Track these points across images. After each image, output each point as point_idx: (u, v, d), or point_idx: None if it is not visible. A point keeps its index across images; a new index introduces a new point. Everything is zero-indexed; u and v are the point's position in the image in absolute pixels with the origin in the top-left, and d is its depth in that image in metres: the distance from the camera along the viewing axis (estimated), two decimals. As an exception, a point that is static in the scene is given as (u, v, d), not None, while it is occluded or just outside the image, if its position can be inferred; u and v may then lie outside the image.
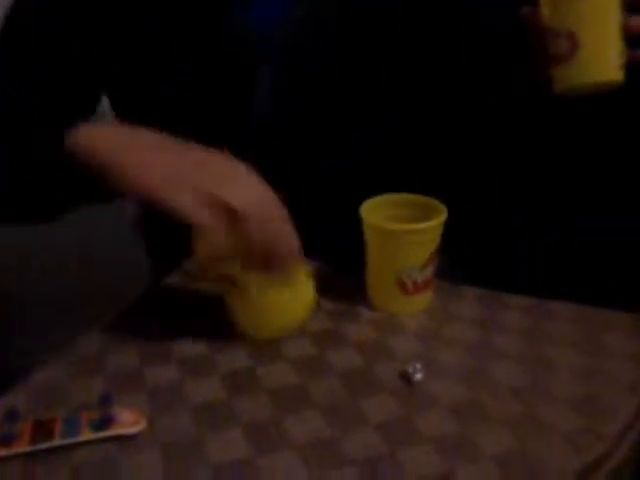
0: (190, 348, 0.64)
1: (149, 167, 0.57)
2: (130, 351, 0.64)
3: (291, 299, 0.63)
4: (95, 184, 0.59)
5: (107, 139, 0.61)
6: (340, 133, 0.79)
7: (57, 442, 0.51)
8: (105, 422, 0.53)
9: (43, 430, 0.52)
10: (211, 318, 0.68)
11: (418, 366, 0.58)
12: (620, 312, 0.68)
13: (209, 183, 0.55)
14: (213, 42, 0.76)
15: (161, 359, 0.63)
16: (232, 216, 0.54)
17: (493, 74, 0.78)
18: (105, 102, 0.85)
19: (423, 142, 0.80)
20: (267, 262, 0.57)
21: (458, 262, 0.73)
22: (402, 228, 0.65)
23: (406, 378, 0.59)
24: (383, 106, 0.80)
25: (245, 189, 0.56)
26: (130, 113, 0.80)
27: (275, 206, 0.56)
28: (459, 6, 0.78)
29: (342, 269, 0.76)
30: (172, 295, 0.74)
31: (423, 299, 0.69)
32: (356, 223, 0.68)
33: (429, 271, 0.68)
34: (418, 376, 0.58)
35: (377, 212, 0.68)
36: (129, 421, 0.53)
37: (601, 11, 0.61)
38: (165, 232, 0.92)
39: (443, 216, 0.65)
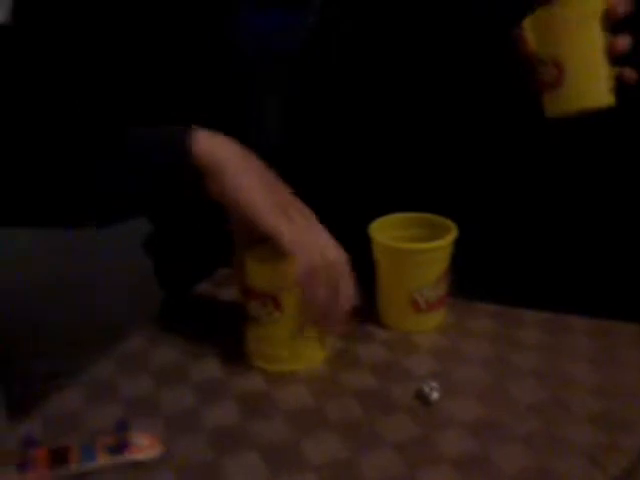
0: (205, 372, 0.64)
1: (262, 191, 0.60)
2: (144, 376, 0.64)
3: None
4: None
5: (226, 147, 0.63)
6: (350, 149, 0.80)
7: (74, 467, 0.51)
8: (121, 447, 0.53)
9: (60, 456, 0.52)
10: (226, 341, 0.68)
11: (434, 385, 0.58)
12: (635, 324, 0.68)
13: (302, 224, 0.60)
14: (211, 51, 0.77)
15: (176, 383, 0.62)
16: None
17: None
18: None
19: (431, 157, 0.80)
20: (326, 314, 0.60)
21: (467, 276, 0.73)
22: (414, 247, 0.65)
23: (422, 397, 0.58)
24: (396, 122, 0.80)
25: (327, 244, 0.60)
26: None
27: (345, 263, 0.60)
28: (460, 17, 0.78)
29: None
30: (185, 318, 0.74)
31: (436, 317, 0.69)
32: (363, 242, 0.68)
33: (442, 289, 0.67)
34: (435, 395, 0.58)
35: (386, 231, 0.68)
36: (145, 446, 0.53)
37: (584, 39, 0.62)
38: (175, 252, 0.93)
39: (454, 234, 0.65)
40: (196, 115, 0.78)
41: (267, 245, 0.64)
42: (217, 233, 0.84)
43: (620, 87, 0.63)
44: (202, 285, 0.81)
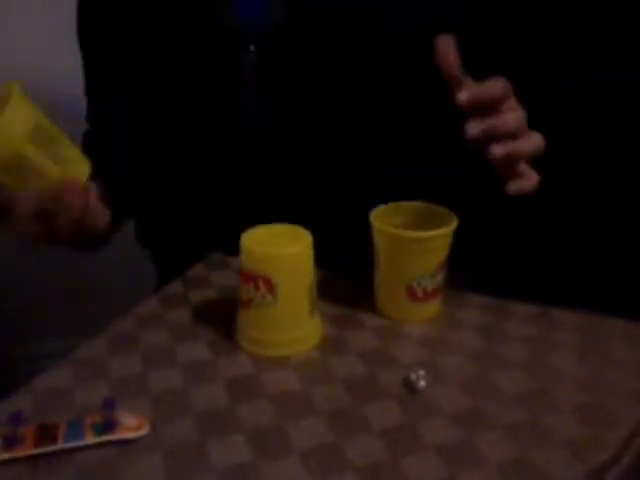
0: (194, 354, 0.64)
1: None
2: (134, 356, 0.64)
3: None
4: None
5: None
6: (356, 152, 0.80)
7: (60, 446, 0.52)
8: (108, 426, 0.53)
9: (47, 433, 0.53)
10: (216, 324, 0.69)
11: (421, 373, 0.58)
12: (624, 320, 0.68)
13: None
14: (195, 31, 0.77)
15: (165, 364, 0.63)
16: None
17: None
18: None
19: (427, 147, 0.80)
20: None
21: (460, 265, 0.73)
22: (414, 235, 0.65)
23: (409, 385, 0.58)
24: (382, 111, 0.80)
25: None
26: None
27: None
28: None
29: (347, 274, 0.76)
30: (177, 301, 0.74)
31: (432, 307, 0.69)
32: (362, 228, 0.68)
33: (439, 279, 0.68)
34: (422, 383, 0.58)
35: (387, 219, 0.68)
36: (132, 425, 0.54)
37: None
38: (169, 241, 0.93)
39: (454, 224, 0.66)
40: (178, 96, 0.79)
41: (263, 227, 0.64)
42: (209, 217, 0.85)
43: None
44: (194, 268, 0.81)
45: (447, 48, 0.60)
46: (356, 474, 0.49)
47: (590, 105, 0.80)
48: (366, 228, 0.68)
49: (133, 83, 0.82)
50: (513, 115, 0.62)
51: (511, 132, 0.61)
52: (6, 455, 0.51)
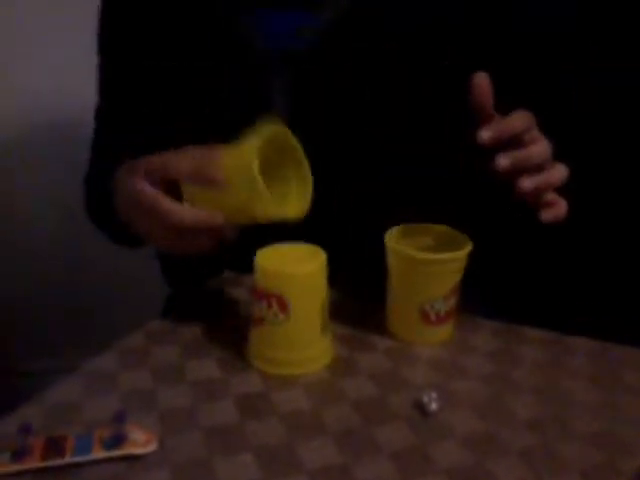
0: (204, 370, 0.64)
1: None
2: (144, 371, 0.64)
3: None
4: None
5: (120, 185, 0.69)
6: (364, 154, 0.79)
7: (68, 459, 0.51)
8: (117, 441, 0.53)
9: (55, 446, 0.52)
10: (227, 341, 0.68)
11: (433, 395, 0.58)
12: (636, 347, 0.67)
13: None
14: (223, 48, 0.77)
15: (175, 381, 0.62)
16: None
17: None
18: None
19: (427, 148, 0.79)
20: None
21: (472, 288, 0.73)
22: (429, 257, 0.65)
23: (421, 407, 0.58)
24: (382, 111, 0.80)
25: None
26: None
27: None
28: None
29: (358, 294, 0.76)
30: (188, 317, 0.74)
31: (445, 330, 0.69)
32: (374, 249, 0.68)
33: (452, 302, 0.67)
34: (433, 406, 0.57)
35: (401, 240, 0.68)
36: (141, 441, 0.53)
37: None
38: (180, 259, 0.93)
39: (469, 247, 0.65)
40: (204, 113, 0.79)
41: (277, 246, 0.64)
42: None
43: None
44: (207, 285, 0.81)
45: (483, 85, 0.61)
46: (365, 496, 0.49)
47: (590, 105, 0.79)
48: (379, 247, 0.68)
49: (155, 91, 0.82)
50: (538, 148, 0.62)
51: (538, 164, 0.62)
52: (14, 467, 0.51)
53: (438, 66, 0.79)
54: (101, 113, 0.89)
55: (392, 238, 0.68)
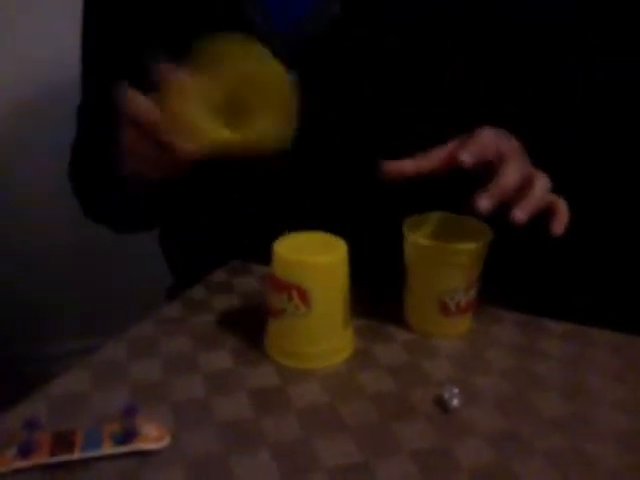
0: (217, 362, 0.62)
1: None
2: (155, 362, 0.62)
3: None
4: None
5: None
6: (377, 142, 0.77)
7: (78, 455, 0.49)
8: (128, 436, 0.50)
9: (63, 442, 0.50)
10: (238, 332, 0.66)
11: (455, 391, 0.56)
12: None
13: None
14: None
15: (187, 372, 0.60)
16: None
17: None
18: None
19: (427, 142, 0.78)
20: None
21: (491, 280, 0.71)
22: (448, 247, 0.62)
23: (442, 404, 0.56)
24: (382, 105, 0.78)
25: None
26: None
27: None
28: None
29: (375, 286, 0.73)
30: (199, 307, 0.71)
31: (464, 322, 0.67)
32: (392, 239, 0.65)
33: (472, 293, 0.65)
34: (455, 402, 0.55)
35: (420, 230, 0.66)
36: (153, 436, 0.51)
37: None
38: (185, 247, 0.91)
39: (489, 236, 0.63)
40: None
41: (294, 235, 0.62)
42: (229, 224, 0.83)
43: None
44: (215, 273, 0.79)
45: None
46: (387, 496, 0.47)
47: (596, 99, 0.77)
48: (396, 238, 0.65)
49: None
50: (511, 171, 0.60)
51: (518, 187, 0.59)
52: (21, 463, 0.49)
53: (438, 60, 0.77)
54: (85, 107, 0.86)
55: (410, 227, 0.65)
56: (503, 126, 0.71)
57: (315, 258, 0.58)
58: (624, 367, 0.62)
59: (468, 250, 0.62)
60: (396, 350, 0.64)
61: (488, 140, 0.61)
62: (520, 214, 0.58)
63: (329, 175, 0.78)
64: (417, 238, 0.64)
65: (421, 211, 0.68)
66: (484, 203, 0.58)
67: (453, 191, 0.74)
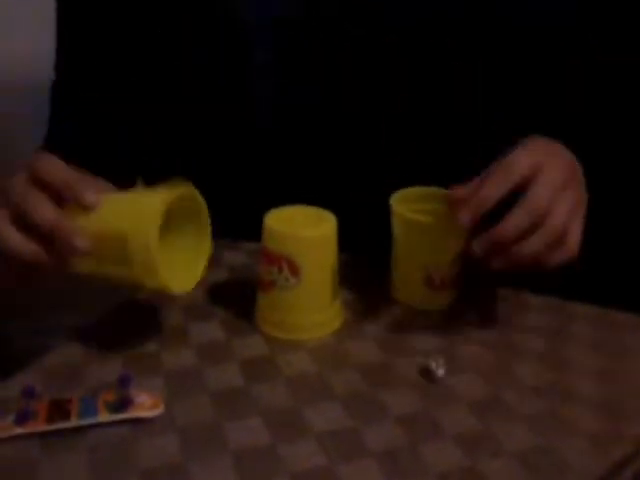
0: (209, 333, 0.63)
1: None
2: (148, 334, 0.63)
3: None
4: None
5: None
6: (377, 142, 0.78)
7: (73, 422, 0.51)
8: (123, 404, 0.52)
9: (60, 410, 0.51)
10: (228, 304, 0.68)
11: (441, 361, 0.58)
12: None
13: None
14: (208, 17, 0.75)
15: (179, 343, 0.62)
16: None
17: None
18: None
19: (427, 140, 0.79)
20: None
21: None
22: (434, 221, 0.64)
23: (428, 373, 0.58)
24: (382, 104, 0.79)
25: None
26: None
27: None
28: None
29: (362, 258, 0.75)
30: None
31: (448, 295, 0.68)
32: (380, 213, 0.67)
33: (457, 266, 0.67)
34: (441, 372, 0.57)
35: (407, 204, 0.67)
36: (147, 404, 0.53)
37: None
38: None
39: None
40: (191, 85, 0.77)
41: (284, 208, 0.63)
42: (218, 201, 0.84)
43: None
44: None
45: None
46: (374, 458, 0.49)
47: (596, 99, 0.78)
48: (385, 212, 0.67)
49: (140, 78, 0.79)
50: (515, 220, 0.56)
51: (520, 232, 0.57)
52: (18, 430, 0.50)
53: (438, 60, 0.78)
54: (59, 87, 0.85)
55: (397, 202, 0.67)
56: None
57: (305, 230, 0.60)
58: (601, 338, 0.64)
59: (453, 224, 0.64)
60: (383, 322, 0.66)
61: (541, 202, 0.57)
62: (496, 263, 0.57)
63: (320, 150, 0.79)
64: (402, 212, 0.65)
65: (410, 185, 0.69)
66: (477, 248, 0.57)
67: (442, 167, 0.76)
